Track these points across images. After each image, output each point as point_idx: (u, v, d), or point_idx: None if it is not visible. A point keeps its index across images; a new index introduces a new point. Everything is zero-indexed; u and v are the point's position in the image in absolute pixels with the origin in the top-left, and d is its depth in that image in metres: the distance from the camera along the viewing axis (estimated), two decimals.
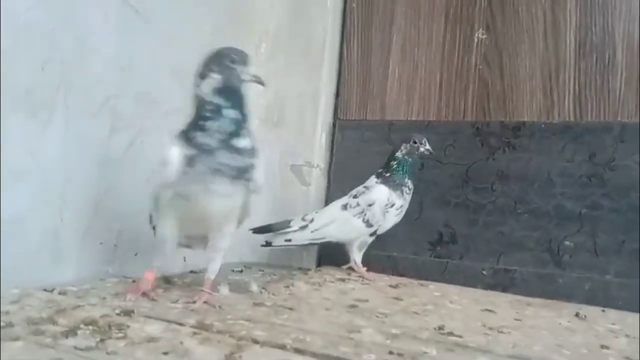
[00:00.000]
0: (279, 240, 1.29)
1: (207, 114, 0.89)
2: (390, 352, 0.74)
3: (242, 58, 0.92)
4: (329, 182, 1.55)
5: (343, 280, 1.28)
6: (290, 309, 0.94)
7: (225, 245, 0.98)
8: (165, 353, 0.68)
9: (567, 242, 1.27)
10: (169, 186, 0.90)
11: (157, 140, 1.23)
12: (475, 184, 1.38)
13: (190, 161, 0.87)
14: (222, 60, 0.91)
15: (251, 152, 0.90)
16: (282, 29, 1.53)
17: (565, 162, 1.30)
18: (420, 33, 1.48)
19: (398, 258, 1.43)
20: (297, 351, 0.71)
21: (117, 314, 0.81)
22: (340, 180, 1.52)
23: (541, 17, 1.37)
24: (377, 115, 1.52)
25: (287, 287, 1.14)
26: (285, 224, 1.30)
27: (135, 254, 1.20)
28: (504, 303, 1.19)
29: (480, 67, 1.41)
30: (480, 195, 1.38)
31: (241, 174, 0.89)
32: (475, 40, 1.42)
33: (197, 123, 0.89)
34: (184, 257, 1.32)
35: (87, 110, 1.11)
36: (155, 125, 1.24)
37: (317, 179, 1.52)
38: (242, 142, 0.88)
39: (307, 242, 1.30)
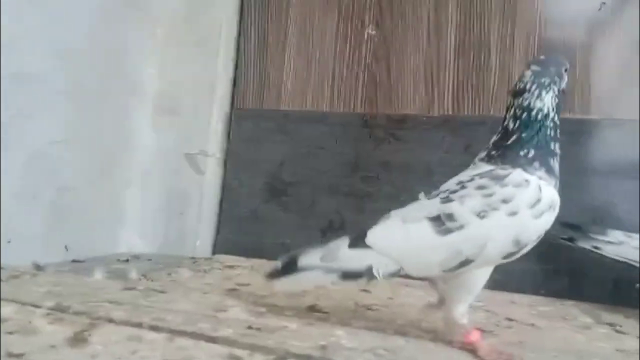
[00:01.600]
0: (585, 243, 1.11)
1: (552, 134, 0.77)
2: (249, 327, 0.77)
3: (567, 67, 0.82)
4: (225, 171, 1.55)
5: (232, 267, 1.30)
6: (162, 292, 0.94)
7: None
8: (11, 332, 0.66)
9: None
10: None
11: (38, 122, 1.19)
12: (363, 173, 1.45)
13: None
14: (561, 69, 0.80)
15: None
16: (178, 15, 1.52)
17: (444, 153, 1.39)
18: (314, 27, 1.52)
19: (290, 245, 1.46)
20: (153, 328, 0.72)
21: None
22: (236, 170, 1.54)
23: (425, 17, 1.45)
24: (273, 105, 1.54)
25: (170, 274, 1.14)
26: (600, 230, 1.13)
27: (9, 241, 1.14)
28: (384, 285, 1.24)
29: (369, 61, 1.48)
30: (368, 183, 1.44)
31: None
32: (365, 36, 1.48)
33: (549, 147, 0.77)
34: (66, 246, 1.27)
35: None
36: (36, 106, 1.19)
37: (213, 168, 1.52)
38: None
39: (619, 258, 1.09)
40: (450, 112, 1.41)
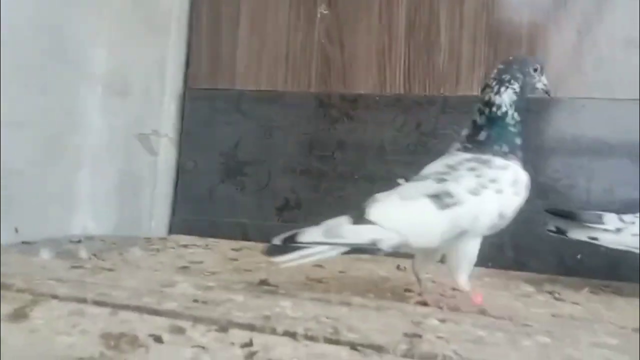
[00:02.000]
0: (579, 234, 1.09)
1: (515, 130, 0.89)
2: (195, 301, 0.78)
3: (542, 67, 0.93)
4: (179, 152, 1.54)
5: (186, 246, 1.30)
6: (111, 270, 0.94)
7: None
8: None
9: None
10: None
11: None
12: (318, 152, 1.46)
13: None
14: (527, 69, 0.91)
15: None
16: None
17: (396, 132, 1.42)
18: (267, 5, 1.52)
19: (247, 224, 1.48)
20: (96, 303, 0.72)
21: None
22: (190, 150, 1.53)
23: None
24: (227, 85, 1.53)
25: (121, 253, 1.13)
26: (595, 217, 1.09)
27: None
28: (337, 260, 1.27)
29: (322, 41, 1.48)
30: (323, 162, 1.46)
31: None
32: (318, 15, 1.48)
33: (515, 142, 0.88)
34: (16, 228, 1.25)
35: None
36: None
37: (166, 149, 1.51)
38: None
39: (620, 247, 1.07)
40: (401, 92, 1.43)
